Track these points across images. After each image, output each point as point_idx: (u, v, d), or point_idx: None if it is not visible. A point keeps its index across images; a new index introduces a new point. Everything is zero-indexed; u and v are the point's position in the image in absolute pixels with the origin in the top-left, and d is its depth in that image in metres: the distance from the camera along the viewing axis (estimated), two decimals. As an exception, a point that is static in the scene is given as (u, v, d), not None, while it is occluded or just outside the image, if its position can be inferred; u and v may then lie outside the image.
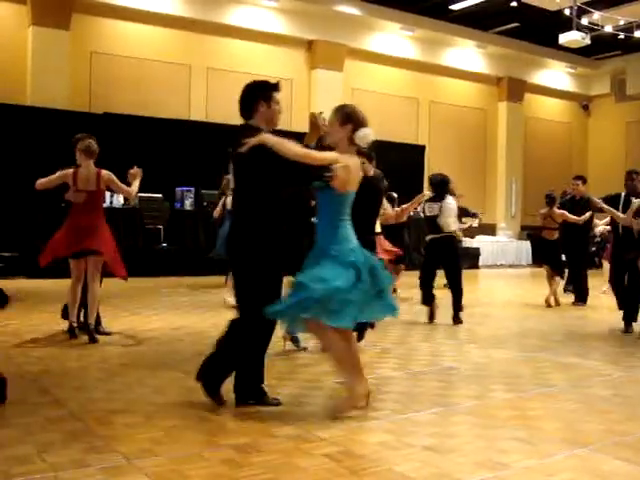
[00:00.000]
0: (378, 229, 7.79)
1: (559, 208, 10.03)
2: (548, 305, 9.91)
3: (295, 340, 6.00)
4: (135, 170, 6.70)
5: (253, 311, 4.00)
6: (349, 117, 4.09)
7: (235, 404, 4.15)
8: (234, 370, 4.21)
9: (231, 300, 8.74)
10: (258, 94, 4.23)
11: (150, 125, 15.35)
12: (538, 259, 10.19)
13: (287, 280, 4.13)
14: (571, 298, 10.51)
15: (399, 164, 16.63)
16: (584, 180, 10.50)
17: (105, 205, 13.13)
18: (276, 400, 4.21)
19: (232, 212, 4.41)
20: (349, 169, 4.01)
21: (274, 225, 4.11)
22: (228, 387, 4.26)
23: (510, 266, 19.64)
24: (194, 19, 16.62)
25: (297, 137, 4.14)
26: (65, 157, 6.67)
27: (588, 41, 17.13)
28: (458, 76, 21.62)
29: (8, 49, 14.60)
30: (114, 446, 3.39)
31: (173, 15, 16.36)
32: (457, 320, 7.97)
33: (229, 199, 8.87)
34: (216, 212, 9.35)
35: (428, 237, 8.32)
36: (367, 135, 4.09)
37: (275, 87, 4.26)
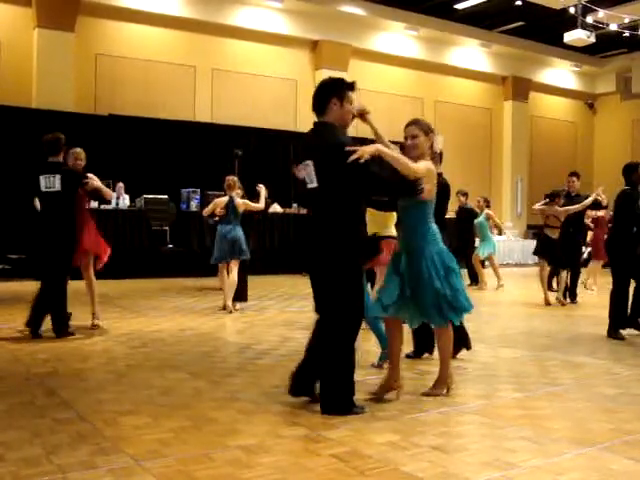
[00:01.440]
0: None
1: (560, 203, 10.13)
2: (548, 304, 9.93)
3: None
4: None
5: (341, 310, 3.99)
6: (430, 127, 4.47)
7: (322, 412, 4.01)
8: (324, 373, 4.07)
9: (234, 305, 8.74)
10: (332, 92, 4.15)
11: (155, 126, 15.40)
12: (540, 255, 10.17)
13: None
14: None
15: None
16: (578, 176, 10.65)
17: (111, 207, 13.34)
18: (363, 408, 4.08)
19: (311, 216, 4.28)
20: (434, 176, 4.34)
21: (357, 232, 4.11)
22: (235, 389, 4.26)
23: (516, 265, 19.60)
24: (199, 20, 16.67)
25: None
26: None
27: (593, 39, 17.10)
28: (463, 75, 21.60)
29: (13, 51, 14.67)
30: (122, 447, 3.39)
31: (178, 17, 16.40)
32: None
33: (239, 200, 8.83)
34: (207, 210, 9.17)
35: None
36: (441, 140, 4.53)
37: (350, 86, 4.21)
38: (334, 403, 3.98)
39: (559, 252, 9.99)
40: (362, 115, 4.38)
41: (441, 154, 6.04)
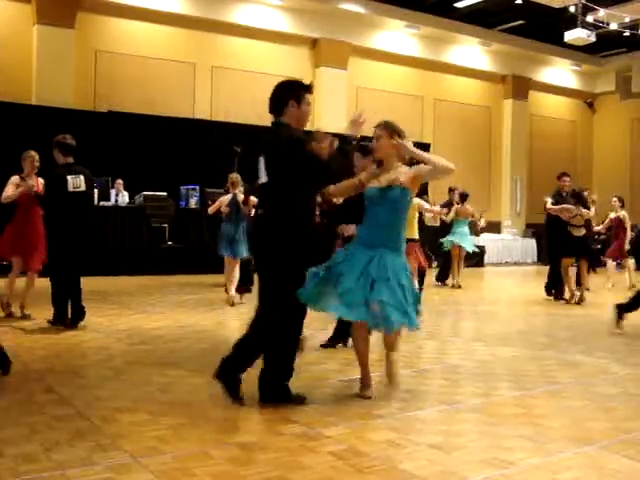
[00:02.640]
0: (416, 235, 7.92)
1: (553, 204, 10.21)
2: (575, 302, 9.99)
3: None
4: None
5: (284, 305, 4.08)
6: (395, 129, 4.47)
7: (259, 402, 4.13)
8: (248, 366, 4.20)
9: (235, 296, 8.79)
10: (290, 93, 4.24)
11: (155, 123, 15.37)
12: (569, 254, 10.21)
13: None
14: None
15: (404, 162, 16.61)
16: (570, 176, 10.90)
17: (110, 204, 13.35)
18: (302, 397, 4.21)
19: (260, 209, 4.36)
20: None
21: (304, 224, 4.19)
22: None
23: (515, 264, 19.61)
24: (199, 18, 16.64)
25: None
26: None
27: (593, 38, 17.09)
28: (463, 74, 21.59)
29: (13, 48, 14.64)
30: (120, 444, 3.39)
31: (178, 13, 16.37)
32: None
33: (242, 197, 8.89)
34: (212, 209, 9.22)
35: None
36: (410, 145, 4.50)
37: (307, 88, 4.29)
38: (272, 391, 4.14)
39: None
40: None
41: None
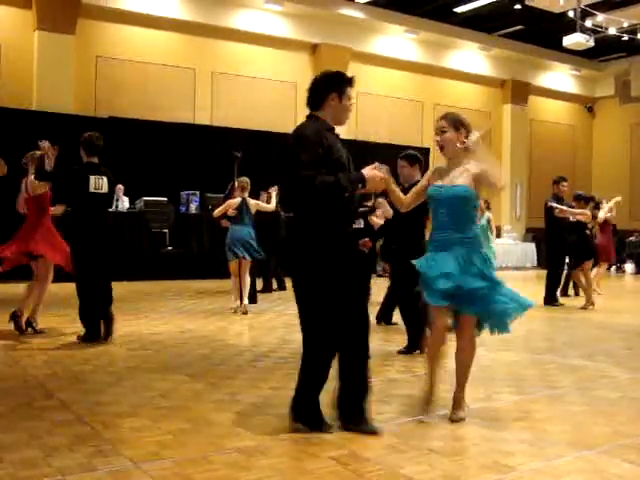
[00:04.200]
0: None
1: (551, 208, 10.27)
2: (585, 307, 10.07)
3: None
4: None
5: (323, 321, 3.69)
6: (461, 121, 4.19)
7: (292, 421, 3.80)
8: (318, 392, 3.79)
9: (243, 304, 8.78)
10: (331, 86, 3.86)
11: (155, 129, 15.40)
12: (589, 258, 10.28)
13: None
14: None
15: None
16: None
17: (111, 209, 13.31)
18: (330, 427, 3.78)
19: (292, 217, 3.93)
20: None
21: (332, 228, 3.73)
22: (234, 391, 4.22)
23: (515, 268, 19.60)
24: (199, 23, 16.67)
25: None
26: (70, 161, 6.68)
27: (592, 43, 17.11)
28: (462, 79, 21.61)
29: (14, 54, 14.67)
30: (120, 450, 3.39)
31: (178, 19, 16.41)
32: None
33: (251, 201, 9.06)
34: (218, 211, 9.22)
35: None
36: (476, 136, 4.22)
37: (350, 82, 3.91)
38: (303, 415, 3.76)
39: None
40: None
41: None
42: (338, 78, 3.91)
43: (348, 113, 3.95)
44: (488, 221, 13.00)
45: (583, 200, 10.38)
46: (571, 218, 10.18)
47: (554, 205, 10.09)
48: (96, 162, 6.59)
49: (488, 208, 13.24)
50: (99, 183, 6.48)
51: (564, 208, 10.08)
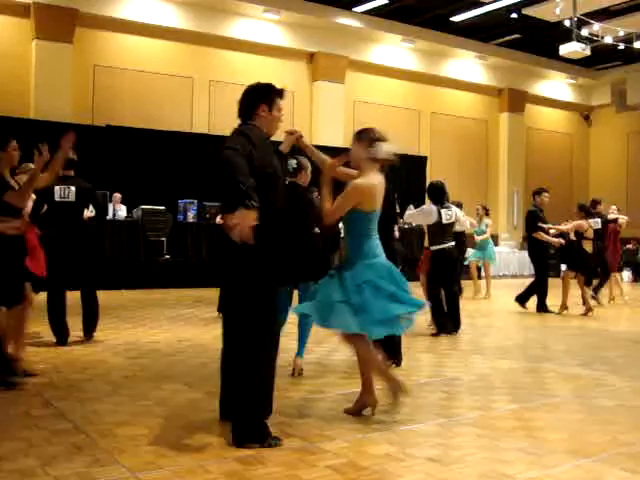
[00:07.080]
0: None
1: (543, 222, 10.34)
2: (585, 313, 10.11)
3: None
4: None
5: (253, 328, 3.70)
6: (367, 134, 4.28)
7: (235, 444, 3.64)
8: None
9: None
10: (260, 98, 3.94)
11: (153, 138, 15.42)
12: (580, 270, 10.28)
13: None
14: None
15: (401, 175, 16.69)
16: None
17: (108, 218, 13.31)
18: (278, 439, 3.67)
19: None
20: (374, 188, 4.18)
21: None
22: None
23: (513, 276, 19.61)
24: (196, 32, 16.74)
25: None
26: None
27: (588, 52, 17.20)
28: (459, 87, 21.70)
29: (11, 63, 14.71)
30: (118, 459, 3.38)
31: (175, 28, 16.47)
32: None
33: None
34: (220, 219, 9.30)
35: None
36: (387, 148, 4.27)
37: (280, 93, 4.02)
38: (246, 431, 3.63)
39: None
40: (294, 136, 4.34)
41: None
42: (268, 89, 3.99)
43: (278, 123, 4.06)
44: (487, 226, 13.10)
45: (584, 212, 10.35)
46: (572, 235, 10.29)
47: (544, 227, 10.24)
48: (71, 175, 6.80)
49: (487, 214, 13.31)
50: (65, 192, 6.70)
51: (561, 227, 10.47)
